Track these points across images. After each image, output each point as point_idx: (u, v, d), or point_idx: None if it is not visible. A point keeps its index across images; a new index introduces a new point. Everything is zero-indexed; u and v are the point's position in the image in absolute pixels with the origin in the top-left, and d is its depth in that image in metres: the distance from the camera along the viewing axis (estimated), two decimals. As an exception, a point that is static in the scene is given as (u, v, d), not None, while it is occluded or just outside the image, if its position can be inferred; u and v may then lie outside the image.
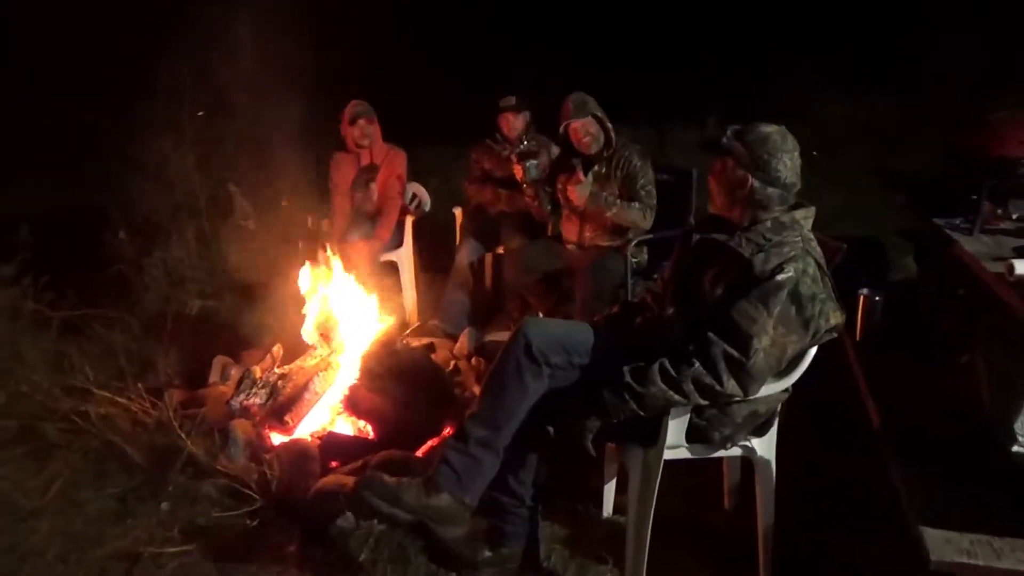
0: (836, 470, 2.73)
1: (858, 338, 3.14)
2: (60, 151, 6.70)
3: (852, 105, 7.56)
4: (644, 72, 8.05)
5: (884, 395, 2.72)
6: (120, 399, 2.95)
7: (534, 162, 3.63)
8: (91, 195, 5.04)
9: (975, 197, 2.93)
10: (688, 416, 2.07)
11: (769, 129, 2.05)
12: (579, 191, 3.47)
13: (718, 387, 1.94)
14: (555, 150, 4.22)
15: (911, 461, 2.31)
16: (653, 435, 2.08)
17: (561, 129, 3.55)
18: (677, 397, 1.97)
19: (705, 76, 7.93)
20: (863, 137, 7.06)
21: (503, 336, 3.65)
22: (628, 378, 2.00)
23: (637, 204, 3.48)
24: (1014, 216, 2.94)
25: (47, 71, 8.03)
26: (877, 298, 3.12)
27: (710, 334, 1.96)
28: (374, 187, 4.15)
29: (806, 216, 2.08)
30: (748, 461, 2.27)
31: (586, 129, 3.49)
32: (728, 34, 8.62)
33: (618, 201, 3.49)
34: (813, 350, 2.09)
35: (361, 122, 4.15)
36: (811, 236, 2.07)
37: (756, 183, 2.03)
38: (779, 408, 2.21)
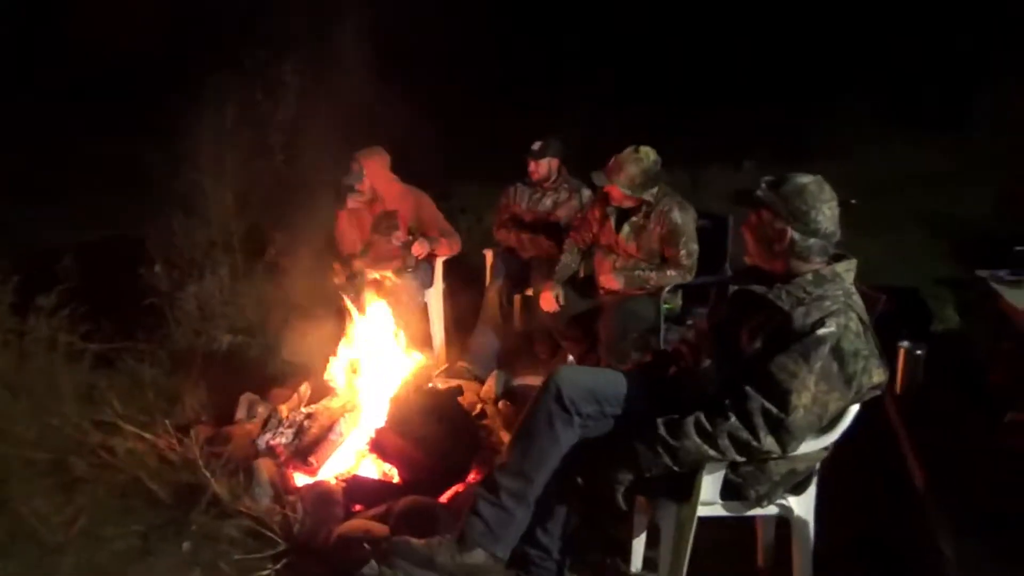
0: (878, 533, 2.62)
1: (898, 392, 3.04)
2: (104, 184, 6.86)
3: (894, 149, 7.45)
4: (679, 113, 8.05)
5: (928, 453, 2.61)
6: (147, 434, 2.94)
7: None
8: (131, 228, 5.12)
9: (1020, 248, 2.85)
10: (723, 472, 2.01)
11: (805, 179, 2.01)
12: (614, 278, 3.54)
13: (755, 443, 1.88)
14: (586, 194, 4.22)
15: (959, 526, 2.20)
16: (687, 490, 2.02)
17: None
18: (712, 452, 1.91)
19: (742, 118, 7.89)
20: (905, 182, 6.94)
21: (532, 379, 3.61)
22: (662, 431, 1.95)
23: (673, 271, 3.48)
24: (1062, 269, 2.85)
25: (95, 106, 8.29)
26: (919, 352, 3.01)
27: (748, 388, 1.90)
28: (398, 234, 4.09)
29: (848, 269, 2.02)
30: (782, 519, 2.19)
31: (617, 191, 3.49)
32: (767, 76, 8.59)
33: (653, 273, 3.49)
34: (855, 407, 2.02)
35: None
36: (853, 290, 2.02)
37: (796, 235, 1.98)
38: (818, 466, 2.13)
